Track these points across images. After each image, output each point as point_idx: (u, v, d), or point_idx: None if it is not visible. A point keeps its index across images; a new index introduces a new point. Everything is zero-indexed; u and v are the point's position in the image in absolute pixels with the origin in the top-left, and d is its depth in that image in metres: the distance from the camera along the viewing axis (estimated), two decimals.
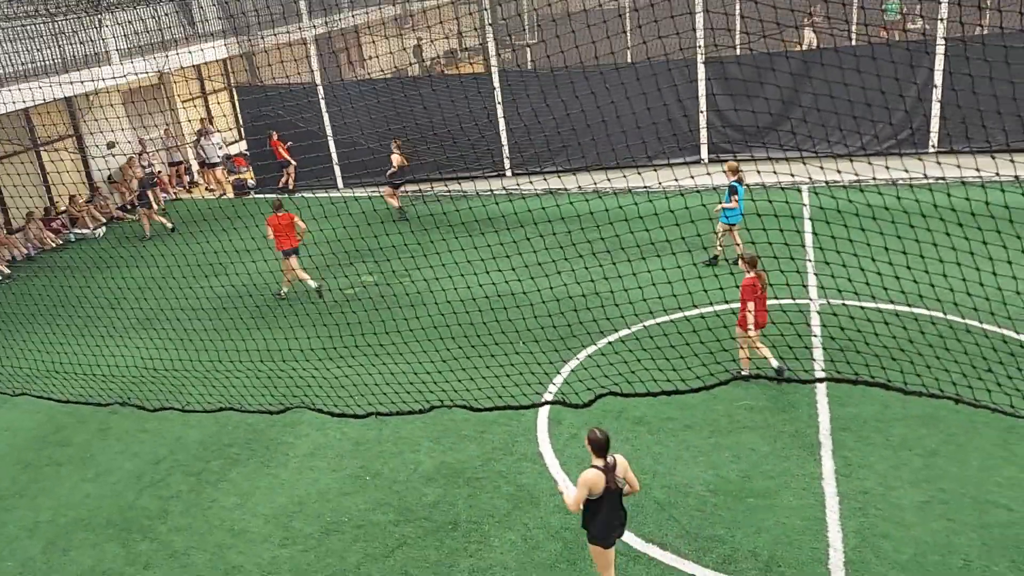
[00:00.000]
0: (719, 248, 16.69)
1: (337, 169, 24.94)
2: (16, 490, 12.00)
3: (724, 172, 16.32)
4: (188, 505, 11.12)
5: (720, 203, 16.23)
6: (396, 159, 21.45)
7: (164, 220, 23.10)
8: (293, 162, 24.90)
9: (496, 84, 23.13)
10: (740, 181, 16.03)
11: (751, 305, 11.92)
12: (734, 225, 16.30)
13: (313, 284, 16.86)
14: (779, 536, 9.35)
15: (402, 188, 22.16)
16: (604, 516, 7.88)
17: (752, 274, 12.06)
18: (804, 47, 27.08)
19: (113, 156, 25.21)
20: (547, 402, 8.83)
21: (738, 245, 16.40)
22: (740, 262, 12.54)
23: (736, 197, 15.96)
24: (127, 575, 9.98)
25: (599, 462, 7.74)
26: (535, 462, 11.10)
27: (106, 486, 11.78)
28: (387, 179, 21.72)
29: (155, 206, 23.94)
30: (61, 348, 14.51)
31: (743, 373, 12.20)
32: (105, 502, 11.42)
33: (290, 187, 25.06)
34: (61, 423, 13.57)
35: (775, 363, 12.17)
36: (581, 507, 7.83)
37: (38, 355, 14.37)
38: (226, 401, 10.98)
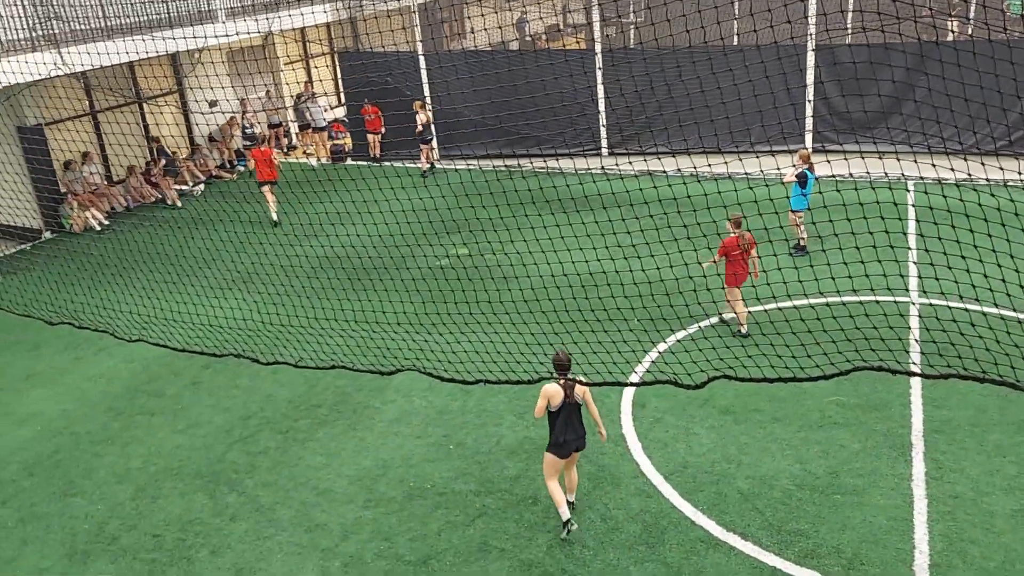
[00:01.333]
0: (803, 234, 16.61)
1: (435, 139, 25.05)
2: (107, 436, 12.37)
3: (795, 161, 16.46)
4: (275, 462, 11.36)
5: (790, 175, 16.24)
6: (421, 118, 23.39)
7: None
8: (373, 135, 25.47)
9: (599, 64, 22.93)
10: (811, 170, 16.12)
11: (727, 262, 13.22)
12: (799, 211, 16.40)
13: (275, 217, 20.55)
14: (864, 534, 9.20)
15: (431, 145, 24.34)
16: (560, 426, 9.21)
17: (734, 234, 13.13)
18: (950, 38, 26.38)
19: (215, 114, 25.68)
20: (658, 381, 8.75)
21: (799, 227, 16.61)
22: (728, 223, 13.35)
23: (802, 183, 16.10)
24: (214, 526, 10.24)
25: (560, 379, 9.18)
26: (617, 444, 11.07)
27: (196, 438, 12.09)
28: (418, 138, 23.71)
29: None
30: (163, 299, 14.90)
31: (741, 331, 13.41)
32: (195, 453, 11.72)
33: (377, 155, 25.40)
34: (155, 374, 13.95)
35: (744, 329, 13.33)
36: (545, 414, 9.29)
37: (152, 302, 14.77)
38: (337, 359, 11.11)
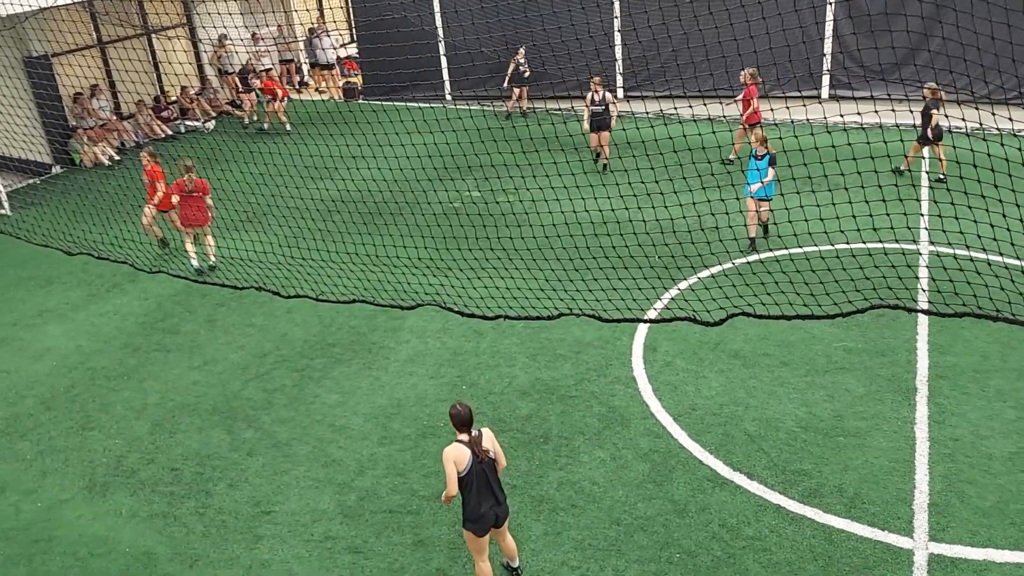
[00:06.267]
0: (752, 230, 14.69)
1: (447, 83, 24.83)
2: (123, 372, 12.60)
3: (753, 143, 14.41)
4: (291, 399, 11.59)
5: (757, 182, 14.23)
6: (596, 97, 18.69)
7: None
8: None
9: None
10: (768, 158, 14.15)
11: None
12: (769, 200, 14.50)
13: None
14: (866, 475, 9.43)
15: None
16: (474, 495, 7.66)
17: (185, 177, 14.81)
18: None
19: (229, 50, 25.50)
20: (677, 318, 8.82)
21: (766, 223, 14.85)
22: (185, 170, 14.90)
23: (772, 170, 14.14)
24: (231, 460, 10.50)
25: (463, 436, 7.71)
26: (628, 385, 11.28)
27: (212, 375, 12.31)
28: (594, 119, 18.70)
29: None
30: (178, 234, 15.00)
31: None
32: (211, 390, 11.96)
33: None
34: (169, 311, 14.13)
35: (195, 263, 14.86)
36: (456, 487, 7.58)
37: (168, 236, 14.83)
38: (357, 295, 11.05)
